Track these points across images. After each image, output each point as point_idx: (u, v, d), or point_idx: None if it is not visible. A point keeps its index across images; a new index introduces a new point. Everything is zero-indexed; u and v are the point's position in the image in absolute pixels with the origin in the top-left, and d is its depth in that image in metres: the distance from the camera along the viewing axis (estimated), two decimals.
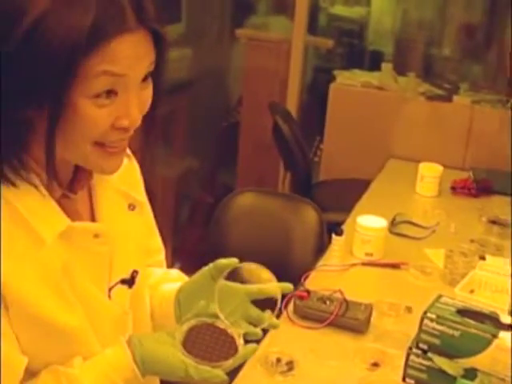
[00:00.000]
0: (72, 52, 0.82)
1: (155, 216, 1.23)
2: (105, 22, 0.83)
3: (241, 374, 1.42)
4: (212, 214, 2.27)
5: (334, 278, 1.86)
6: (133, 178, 1.12)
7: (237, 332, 1.05)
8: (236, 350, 1.03)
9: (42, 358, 0.96)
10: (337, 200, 2.87)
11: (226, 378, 1.01)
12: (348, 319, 1.60)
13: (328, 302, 1.63)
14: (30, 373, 0.96)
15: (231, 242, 2.20)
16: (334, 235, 1.95)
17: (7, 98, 0.83)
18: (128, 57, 0.86)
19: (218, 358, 1.01)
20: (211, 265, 1.11)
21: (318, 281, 1.83)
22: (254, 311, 1.12)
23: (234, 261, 1.08)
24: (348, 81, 3.31)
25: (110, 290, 1.04)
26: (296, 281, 1.82)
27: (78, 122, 0.86)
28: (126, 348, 1.00)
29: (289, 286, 1.12)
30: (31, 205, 0.90)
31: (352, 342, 1.56)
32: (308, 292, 1.67)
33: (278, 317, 1.63)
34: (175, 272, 1.26)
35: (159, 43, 0.90)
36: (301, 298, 1.65)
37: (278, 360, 1.45)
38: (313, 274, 1.88)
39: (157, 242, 1.25)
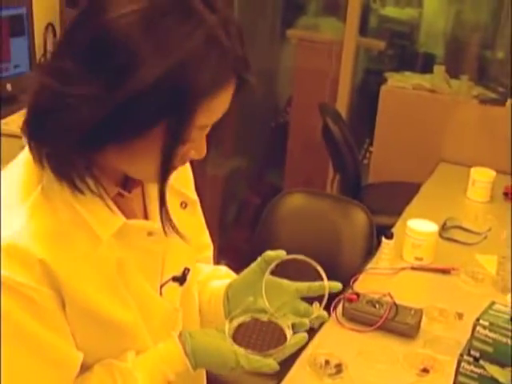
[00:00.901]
0: (191, 102, 0.83)
1: (203, 215, 1.23)
2: (219, 75, 0.85)
3: (289, 375, 1.43)
4: (259, 215, 2.27)
5: (383, 282, 1.85)
6: (185, 176, 1.13)
7: (285, 323, 1.05)
8: (285, 340, 1.03)
9: (95, 352, 0.98)
10: (386, 203, 2.84)
11: (277, 367, 1.01)
12: (397, 323, 1.58)
13: (377, 306, 1.63)
14: (84, 366, 0.97)
15: (279, 244, 2.16)
16: (383, 238, 1.94)
17: (112, 124, 0.84)
18: (224, 109, 0.89)
19: (268, 349, 1.01)
20: (259, 258, 1.11)
21: (366, 284, 1.83)
22: (303, 306, 1.12)
23: (282, 253, 1.09)
24: (399, 83, 3.28)
25: (161, 287, 1.05)
26: (345, 283, 1.81)
27: (155, 154, 0.87)
28: (178, 341, 1.02)
29: (338, 284, 1.12)
30: (88, 204, 0.92)
31: (401, 347, 1.55)
32: (357, 295, 1.67)
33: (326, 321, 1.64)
34: (224, 269, 1.27)
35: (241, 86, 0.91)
36: (350, 300, 1.65)
37: (327, 362, 1.45)
38: (362, 277, 1.87)
39: (206, 238, 1.26)
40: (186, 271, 1.08)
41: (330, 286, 1.10)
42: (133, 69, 0.81)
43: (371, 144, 3.42)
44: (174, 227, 0.97)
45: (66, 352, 0.93)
